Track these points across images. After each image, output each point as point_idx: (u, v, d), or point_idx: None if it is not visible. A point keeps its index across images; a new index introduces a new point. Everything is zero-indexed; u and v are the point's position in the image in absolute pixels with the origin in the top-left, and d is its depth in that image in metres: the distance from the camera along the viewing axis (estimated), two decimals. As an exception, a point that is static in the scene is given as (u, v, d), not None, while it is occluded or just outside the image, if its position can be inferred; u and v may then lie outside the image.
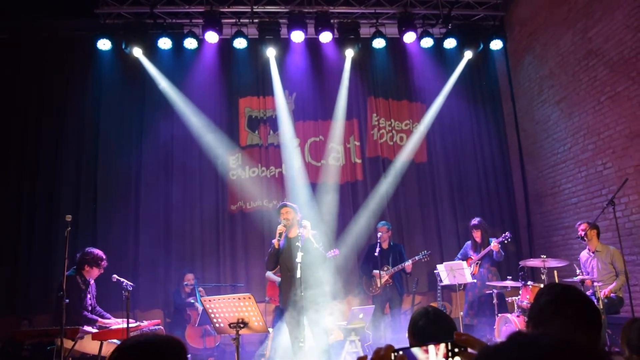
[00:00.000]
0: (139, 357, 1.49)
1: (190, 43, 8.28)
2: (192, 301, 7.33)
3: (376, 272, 7.25)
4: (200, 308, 7.22)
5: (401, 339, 6.82)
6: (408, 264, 7.18)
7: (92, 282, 5.73)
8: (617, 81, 6.76)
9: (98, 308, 5.75)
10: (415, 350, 1.25)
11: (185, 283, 7.47)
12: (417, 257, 7.21)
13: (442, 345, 1.27)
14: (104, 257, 5.68)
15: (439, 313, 2.32)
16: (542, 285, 5.76)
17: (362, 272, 7.68)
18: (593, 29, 7.18)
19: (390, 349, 1.23)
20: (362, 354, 6.13)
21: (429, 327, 2.21)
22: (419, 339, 2.16)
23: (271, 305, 7.34)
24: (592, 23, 7.20)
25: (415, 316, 2.32)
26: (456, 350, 1.27)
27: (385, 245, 7.40)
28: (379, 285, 7.21)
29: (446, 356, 1.27)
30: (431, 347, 1.26)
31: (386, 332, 7.03)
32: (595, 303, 5.38)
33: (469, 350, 1.26)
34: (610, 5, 6.83)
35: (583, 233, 6.23)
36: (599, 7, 7.04)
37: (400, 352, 1.24)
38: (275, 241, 5.29)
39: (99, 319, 5.54)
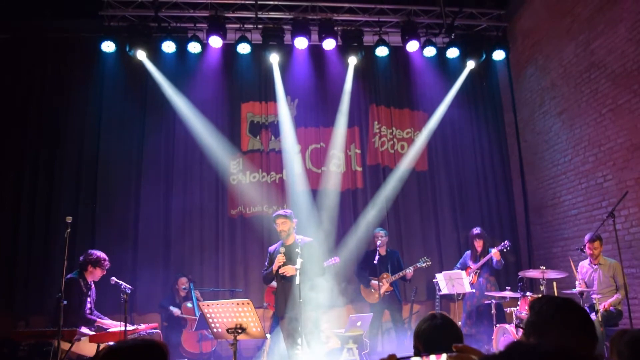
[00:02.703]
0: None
1: (194, 47, 8.30)
2: (189, 305, 7.31)
3: (374, 282, 7.24)
4: (176, 311, 7.20)
5: (406, 348, 6.80)
6: (409, 271, 7.17)
7: (92, 286, 5.73)
8: (619, 94, 6.77)
9: (96, 312, 5.74)
10: None
11: (184, 287, 7.45)
12: (418, 265, 7.19)
13: (445, 356, 1.27)
14: (107, 258, 5.70)
15: (446, 319, 2.32)
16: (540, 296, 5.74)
17: (359, 279, 7.64)
18: (596, 41, 7.20)
19: (392, 358, 1.23)
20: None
21: (432, 331, 2.22)
22: (424, 343, 2.17)
23: (269, 311, 7.33)
24: (594, 35, 7.22)
25: (421, 321, 2.34)
26: None
27: (382, 252, 7.39)
28: (381, 292, 7.18)
29: None
30: (433, 357, 1.26)
31: (388, 340, 7.01)
32: (594, 315, 5.40)
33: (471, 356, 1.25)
34: (613, 18, 6.85)
35: (593, 251, 6.18)
36: (602, 19, 7.07)
37: None
38: (274, 268, 5.38)
39: (98, 319, 5.54)
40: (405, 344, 6.89)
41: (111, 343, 5.13)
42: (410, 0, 8.81)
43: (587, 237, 6.27)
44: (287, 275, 5.33)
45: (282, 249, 5.45)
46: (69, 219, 4.95)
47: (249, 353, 7.46)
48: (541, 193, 8.59)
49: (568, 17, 7.77)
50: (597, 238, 6.20)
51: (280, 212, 5.76)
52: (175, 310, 7.22)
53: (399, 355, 1.25)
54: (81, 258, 5.67)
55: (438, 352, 1.28)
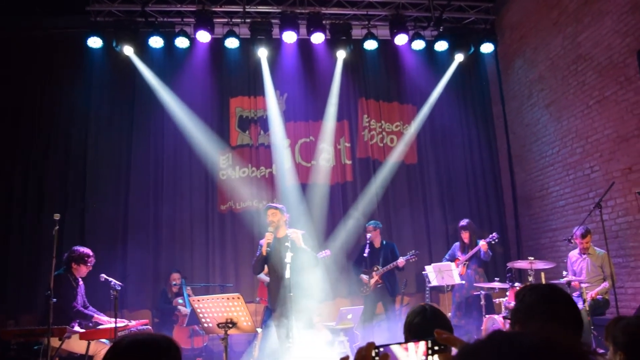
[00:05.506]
0: (136, 355, 1.49)
1: (181, 42, 8.25)
2: (180, 301, 7.31)
3: (364, 277, 7.25)
4: (184, 310, 7.19)
5: (397, 339, 6.82)
6: (398, 261, 7.13)
7: (80, 281, 5.69)
8: (606, 85, 6.83)
9: (91, 308, 5.69)
10: (395, 348, 1.26)
11: (174, 283, 7.44)
12: (403, 258, 7.16)
13: (422, 343, 1.27)
14: (91, 254, 5.64)
15: (436, 311, 2.32)
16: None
17: (354, 272, 7.65)
18: (582, 33, 7.24)
19: (371, 346, 1.23)
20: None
21: (424, 324, 2.22)
22: (415, 337, 2.19)
23: (261, 306, 7.33)
24: (581, 28, 7.26)
25: (411, 314, 2.33)
26: (436, 348, 1.27)
27: (377, 245, 7.39)
28: (370, 285, 7.21)
29: (426, 354, 1.27)
30: (411, 345, 1.27)
31: (381, 332, 7.03)
32: (582, 304, 5.46)
33: (452, 348, 1.26)
34: (599, 11, 6.89)
35: (585, 245, 6.25)
36: (588, 12, 7.11)
37: (382, 349, 1.24)
38: (263, 249, 5.32)
39: (95, 315, 5.50)
40: (398, 336, 6.91)
41: (103, 340, 5.14)
42: (398, -6, 8.82)
43: (577, 233, 6.31)
44: (278, 236, 5.32)
45: (271, 229, 5.41)
46: (56, 217, 4.90)
47: (240, 347, 7.47)
48: (529, 185, 8.65)
49: (555, 10, 7.81)
50: (587, 233, 6.26)
51: (272, 204, 5.74)
52: (184, 310, 7.18)
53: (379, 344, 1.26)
54: (65, 255, 5.62)
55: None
